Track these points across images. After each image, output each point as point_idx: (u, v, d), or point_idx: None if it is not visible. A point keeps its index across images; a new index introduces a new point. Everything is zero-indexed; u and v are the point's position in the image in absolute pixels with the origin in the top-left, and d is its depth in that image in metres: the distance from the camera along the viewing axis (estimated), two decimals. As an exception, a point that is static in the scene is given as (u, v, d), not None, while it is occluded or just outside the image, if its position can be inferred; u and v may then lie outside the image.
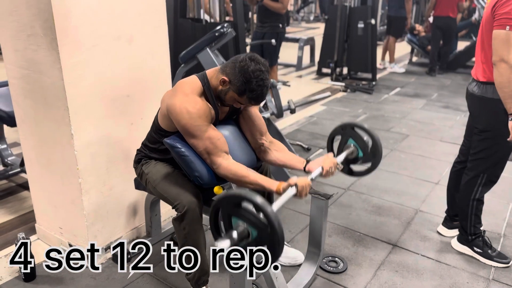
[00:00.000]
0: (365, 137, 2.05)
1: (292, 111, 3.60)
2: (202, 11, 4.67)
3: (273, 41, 4.61)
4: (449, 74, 7.17)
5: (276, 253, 1.36)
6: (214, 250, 1.30)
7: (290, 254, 2.24)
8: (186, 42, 3.97)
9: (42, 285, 2.07)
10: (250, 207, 1.35)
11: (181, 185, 1.80)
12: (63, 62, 1.85)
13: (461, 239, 2.35)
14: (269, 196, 2.08)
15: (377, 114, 4.92)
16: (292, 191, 1.63)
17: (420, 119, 4.75)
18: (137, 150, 2.01)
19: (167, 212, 2.50)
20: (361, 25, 6.23)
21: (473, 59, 7.17)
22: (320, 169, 1.80)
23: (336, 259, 2.27)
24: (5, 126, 3.19)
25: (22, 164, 3.05)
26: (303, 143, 3.88)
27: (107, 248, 2.24)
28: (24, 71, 2.04)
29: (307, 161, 1.87)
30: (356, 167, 2.13)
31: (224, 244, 1.31)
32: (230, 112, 1.92)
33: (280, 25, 4.72)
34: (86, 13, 1.89)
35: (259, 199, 1.32)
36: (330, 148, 2.19)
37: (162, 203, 2.26)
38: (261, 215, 1.33)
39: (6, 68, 2.14)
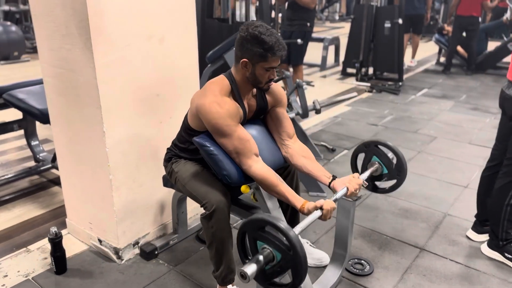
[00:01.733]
0: (389, 154, 2.04)
1: (318, 112, 3.58)
2: (230, 10, 4.69)
3: (299, 40, 4.59)
4: (478, 75, 6.99)
5: (300, 276, 1.38)
6: (242, 275, 1.34)
7: (315, 255, 2.23)
8: (213, 42, 4.01)
9: (73, 278, 2.13)
10: (274, 231, 1.38)
11: (209, 184, 1.82)
12: (97, 61, 1.89)
13: (492, 245, 2.30)
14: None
15: (403, 115, 4.84)
16: (317, 214, 1.64)
17: (448, 121, 4.66)
18: (167, 149, 2.04)
19: (193, 209, 2.53)
20: (387, 24, 6.14)
21: (506, 59, 6.95)
22: (345, 190, 1.79)
23: (362, 261, 2.25)
24: (37, 123, 3.29)
25: (53, 160, 3.14)
26: (328, 143, 3.85)
27: (135, 244, 2.29)
28: (58, 70, 2.10)
29: (333, 178, 1.86)
30: (381, 184, 2.14)
31: (251, 268, 1.34)
32: (257, 111, 1.92)
33: (308, 24, 4.67)
34: (119, 13, 1.93)
35: (282, 224, 1.35)
36: (354, 165, 2.19)
37: (189, 201, 2.28)
38: (284, 239, 1.36)
39: (41, 67, 2.20)
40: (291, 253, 1.35)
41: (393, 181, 2.08)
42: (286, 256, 1.37)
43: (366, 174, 2.02)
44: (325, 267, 2.16)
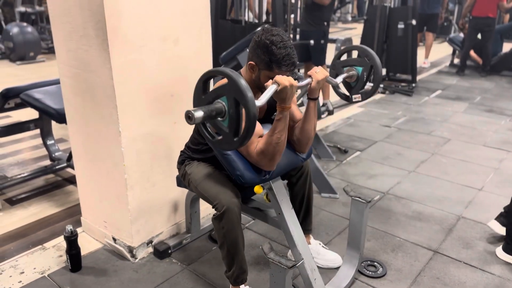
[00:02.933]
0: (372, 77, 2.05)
1: (330, 113, 3.59)
2: (246, 10, 4.68)
3: (312, 42, 4.58)
4: (493, 76, 6.91)
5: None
6: (188, 117, 1.34)
7: (328, 256, 2.23)
8: (226, 43, 4.03)
9: (87, 275, 2.15)
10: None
11: (221, 185, 1.83)
12: (113, 62, 1.92)
13: (507, 249, 2.27)
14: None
15: (417, 116, 4.81)
16: (273, 87, 1.58)
17: (462, 122, 4.61)
18: (181, 151, 2.06)
19: (206, 209, 2.54)
20: (401, 25, 6.10)
21: None
22: (310, 79, 1.79)
23: (375, 263, 2.24)
24: (53, 123, 3.34)
25: (68, 159, 3.19)
26: (340, 145, 3.84)
27: (148, 243, 2.31)
28: (75, 70, 2.13)
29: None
30: (344, 90, 2.16)
31: (198, 113, 1.33)
32: (268, 111, 1.93)
33: (325, 23, 4.59)
34: (136, 14, 1.95)
35: (251, 99, 1.33)
36: (337, 57, 2.17)
37: (202, 201, 2.30)
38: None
39: (58, 67, 2.24)
40: (235, 139, 1.38)
41: (347, 94, 2.11)
42: (231, 132, 1.39)
43: (342, 76, 2.03)
44: (337, 268, 2.16)
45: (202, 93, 1.47)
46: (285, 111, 1.68)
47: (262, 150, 1.72)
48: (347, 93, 2.14)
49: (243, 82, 1.34)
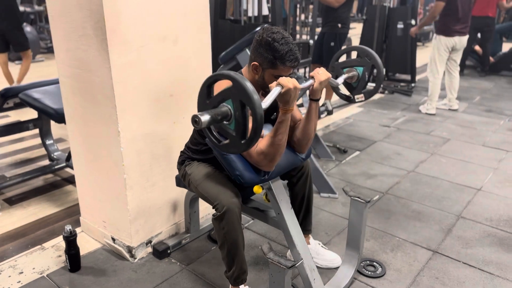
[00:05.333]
0: (375, 72, 2.04)
1: (330, 113, 3.58)
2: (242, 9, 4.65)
3: (311, 41, 4.57)
4: (492, 76, 6.91)
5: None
6: (195, 121, 1.34)
7: (327, 256, 2.23)
8: (225, 43, 4.03)
9: (86, 275, 2.15)
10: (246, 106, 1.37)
11: (221, 185, 1.83)
12: (112, 62, 1.91)
13: None
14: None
15: (416, 116, 4.81)
16: (277, 89, 1.59)
17: (461, 122, 4.61)
18: (181, 152, 2.06)
19: (205, 209, 2.54)
20: (400, 25, 6.11)
21: None
22: (312, 80, 1.79)
23: (375, 263, 2.24)
24: (52, 122, 3.34)
25: (67, 159, 3.18)
26: (340, 145, 3.84)
27: (148, 243, 2.31)
28: (74, 70, 2.13)
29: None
30: (344, 90, 2.17)
31: (205, 117, 1.34)
32: (268, 111, 1.93)
33: (339, 25, 4.49)
34: (135, 14, 1.95)
35: (257, 102, 1.33)
36: (336, 58, 2.18)
37: (201, 201, 2.30)
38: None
39: (58, 67, 2.23)
40: (242, 142, 1.38)
41: (349, 95, 2.11)
42: (238, 135, 1.39)
43: (343, 77, 2.03)
44: (337, 268, 2.16)
45: (206, 98, 1.47)
46: (288, 113, 1.68)
47: (262, 151, 1.72)
48: (348, 94, 2.14)
49: (249, 85, 1.35)
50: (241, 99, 1.36)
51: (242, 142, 1.40)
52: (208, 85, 1.47)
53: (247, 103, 1.35)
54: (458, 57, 4.86)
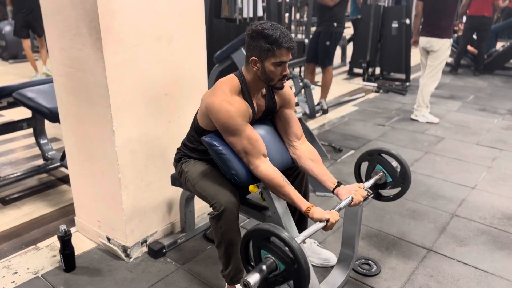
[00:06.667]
0: (394, 163, 2.05)
1: (325, 112, 3.59)
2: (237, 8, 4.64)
3: (306, 40, 4.58)
4: (486, 75, 6.95)
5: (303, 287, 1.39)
6: (245, 285, 1.36)
7: (323, 255, 2.24)
8: (220, 42, 4.02)
9: (81, 275, 2.14)
10: (278, 241, 1.39)
11: (219, 184, 1.83)
12: (107, 61, 1.90)
13: None
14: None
15: (411, 115, 4.82)
16: (320, 225, 1.64)
17: (455, 121, 4.64)
18: (177, 149, 2.06)
19: (201, 208, 2.54)
20: (395, 24, 6.13)
21: None
22: (350, 200, 1.79)
23: (370, 261, 2.25)
24: (46, 122, 3.32)
25: (62, 158, 3.17)
26: (335, 143, 3.85)
27: (143, 242, 2.30)
28: (68, 69, 2.12)
29: (338, 184, 1.86)
30: (385, 192, 2.14)
31: (254, 278, 1.36)
32: (266, 112, 1.93)
33: (335, 24, 4.48)
34: (130, 13, 1.94)
35: (286, 235, 1.36)
36: (357, 174, 2.19)
37: (197, 200, 2.30)
38: (287, 250, 1.38)
39: (52, 66, 2.22)
40: (295, 266, 1.37)
41: (398, 189, 2.08)
42: (289, 268, 1.39)
43: (370, 182, 2.02)
44: (332, 267, 2.16)
45: (245, 259, 1.51)
46: (304, 211, 1.72)
47: (262, 178, 1.75)
48: (393, 191, 2.11)
49: (256, 227, 1.44)
50: (262, 239, 1.41)
51: (295, 267, 1.37)
52: (245, 256, 1.51)
53: (267, 235, 1.40)
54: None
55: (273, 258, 1.41)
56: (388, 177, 2.06)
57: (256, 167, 1.74)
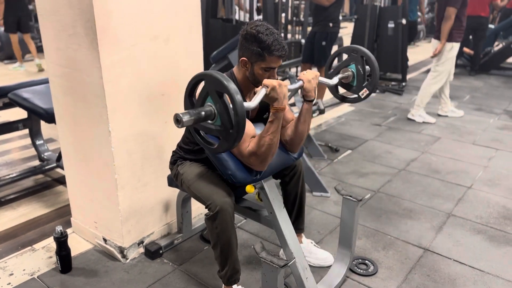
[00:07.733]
0: (367, 68, 2.04)
1: (321, 112, 3.59)
2: (236, 8, 4.64)
3: (303, 40, 4.58)
4: (482, 75, 6.98)
5: (228, 146, 1.42)
6: (177, 120, 1.36)
7: (320, 255, 2.24)
8: (217, 42, 4.02)
9: (78, 276, 2.13)
10: (229, 100, 1.38)
11: (214, 185, 1.83)
12: (103, 61, 1.90)
13: None
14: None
15: (407, 115, 4.83)
16: (263, 91, 1.60)
17: (451, 121, 4.65)
18: (173, 151, 2.05)
19: (197, 209, 2.54)
20: (391, 25, 6.14)
21: (510, 60, 6.75)
22: (301, 83, 1.79)
23: (367, 261, 2.25)
24: (41, 122, 3.31)
25: (58, 159, 3.16)
26: (331, 144, 3.85)
27: (140, 243, 2.29)
28: (64, 69, 2.11)
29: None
30: (344, 92, 2.16)
31: (186, 117, 1.35)
32: (260, 111, 1.93)
33: (331, 24, 4.46)
34: (126, 13, 1.94)
35: (238, 98, 1.34)
36: (331, 60, 2.19)
37: (193, 201, 2.29)
38: (233, 114, 1.37)
39: (48, 66, 2.21)
40: (231, 131, 1.39)
41: (355, 95, 2.09)
42: (225, 128, 1.40)
43: (338, 77, 2.03)
44: (329, 267, 2.16)
45: (190, 104, 1.50)
46: (279, 112, 1.67)
47: (254, 151, 1.71)
48: (352, 95, 2.11)
49: (219, 74, 1.38)
50: (216, 90, 1.38)
51: (231, 131, 1.40)
52: (189, 92, 1.48)
53: (222, 90, 1.37)
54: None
55: (216, 110, 1.41)
56: (354, 81, 2.06)
57: (245, 149, 1.73)
